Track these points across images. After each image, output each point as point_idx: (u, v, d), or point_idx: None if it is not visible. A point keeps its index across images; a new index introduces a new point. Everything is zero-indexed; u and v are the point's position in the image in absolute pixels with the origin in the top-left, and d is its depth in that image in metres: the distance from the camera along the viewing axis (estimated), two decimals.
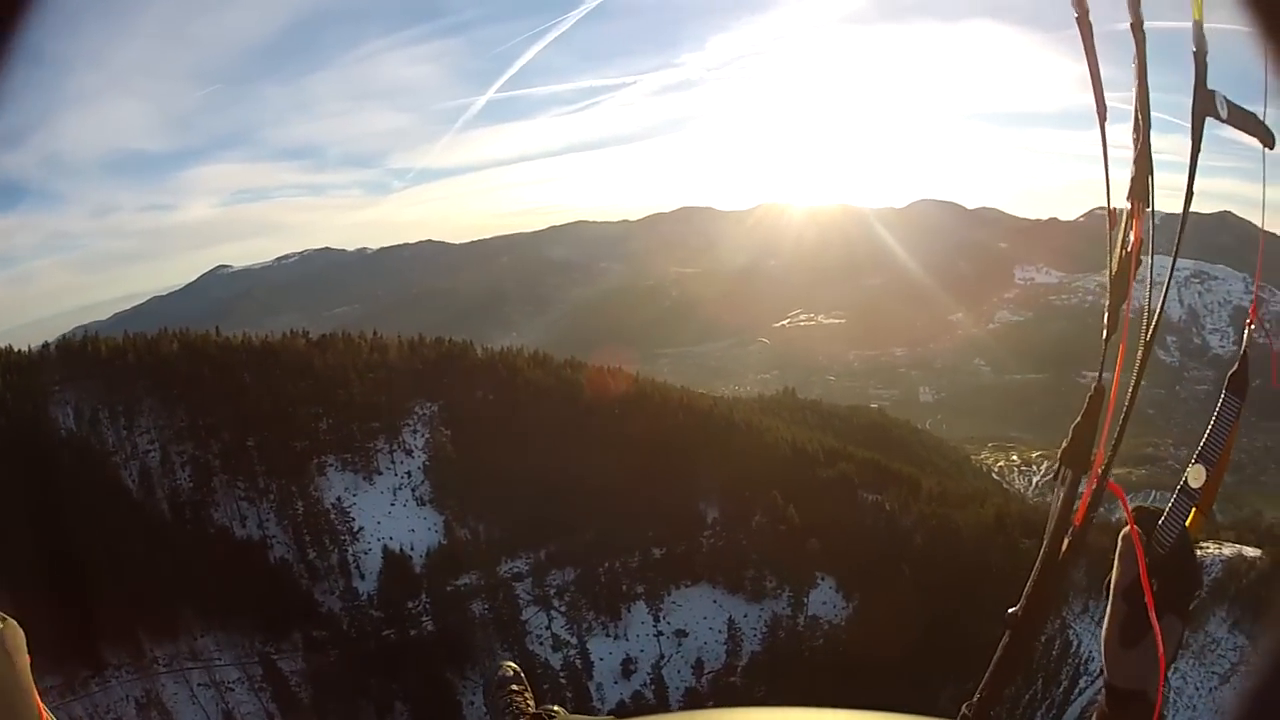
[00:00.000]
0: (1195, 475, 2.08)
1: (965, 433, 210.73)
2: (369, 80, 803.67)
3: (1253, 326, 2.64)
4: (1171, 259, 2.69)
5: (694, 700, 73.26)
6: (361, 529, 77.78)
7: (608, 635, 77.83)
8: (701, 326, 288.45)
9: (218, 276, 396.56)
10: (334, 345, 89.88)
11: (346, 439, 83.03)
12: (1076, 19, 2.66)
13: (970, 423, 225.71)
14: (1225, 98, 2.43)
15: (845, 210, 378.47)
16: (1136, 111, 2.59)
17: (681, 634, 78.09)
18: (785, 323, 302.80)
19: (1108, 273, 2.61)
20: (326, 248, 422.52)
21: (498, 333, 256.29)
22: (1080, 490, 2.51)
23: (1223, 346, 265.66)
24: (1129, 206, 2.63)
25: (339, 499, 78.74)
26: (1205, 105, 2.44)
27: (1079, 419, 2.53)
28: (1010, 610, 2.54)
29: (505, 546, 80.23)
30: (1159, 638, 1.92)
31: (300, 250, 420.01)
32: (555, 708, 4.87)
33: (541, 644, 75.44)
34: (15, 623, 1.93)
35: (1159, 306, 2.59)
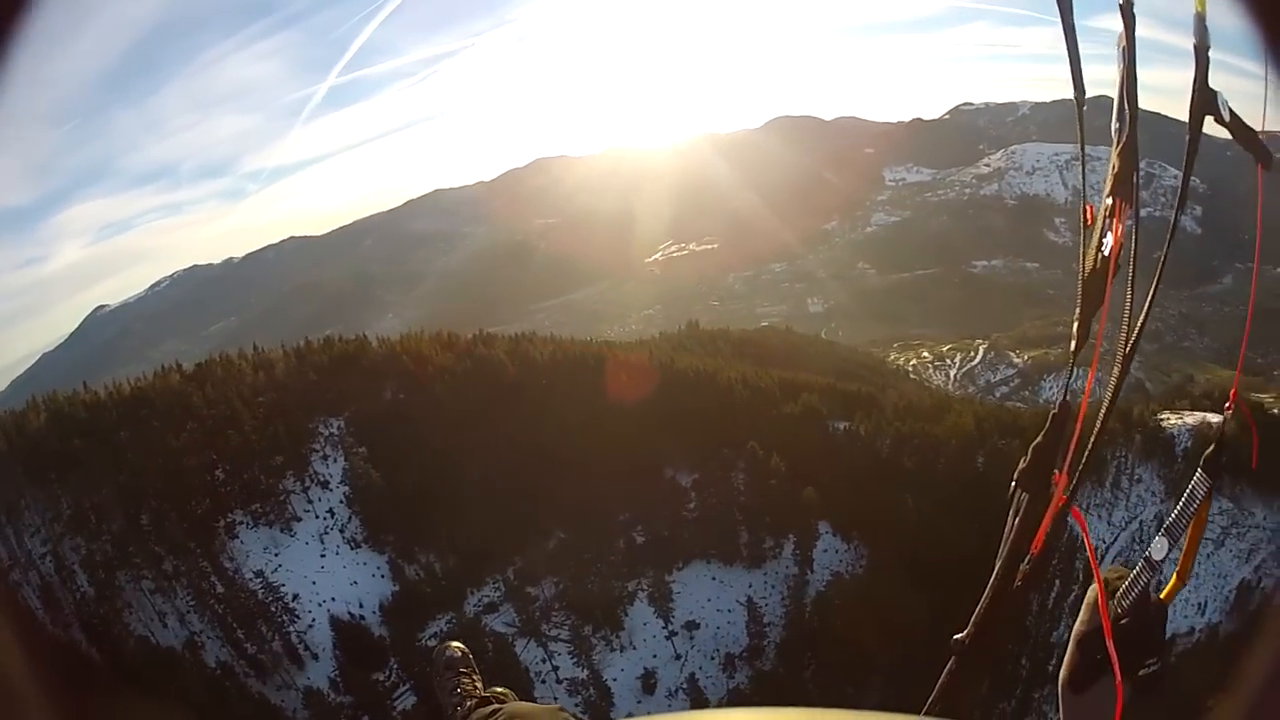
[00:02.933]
0: (1158, 547, 2.02)
1: (865, 337, 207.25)
2: (212, 86, 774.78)
3: (1230, 411, 2.34)
4: (1159, 267, 2.52)
5: (741, 703, 59.78)
6: (297, 597, 62.13)
7: (612, 649, 64.63)
8: (574, 274, 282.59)
9: (98, 318, 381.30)
10: (212, 374, 73.03)
11: (250, 486, 66.95)
12: None
13: (867, 327, 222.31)
14: (1227, 102, 2.22)
15: (700, 139, 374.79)
16: (1122, 99, 2.36)
17: (693, 626, 65.78)
18: (658, 256, 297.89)
19: (1079, 276, 2.39)
20: (194, 265, 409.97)
21: (373, 317, 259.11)
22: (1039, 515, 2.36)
23: None
24: (1109, 203, 2.40)
25: (261, 568, 62.71)
26: (1206, 104, 2.24)
27: (1039, 438, 2.36)
28: (956, 636, 2.43)
29: (467, 574, 65.88)
30: (1119, 690, 1.93)
31: (170, 273, 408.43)
32: (503, 689, 4.41)
33: (545, 684, 60.92)
34: None
35: (1141, 316, 2.37)
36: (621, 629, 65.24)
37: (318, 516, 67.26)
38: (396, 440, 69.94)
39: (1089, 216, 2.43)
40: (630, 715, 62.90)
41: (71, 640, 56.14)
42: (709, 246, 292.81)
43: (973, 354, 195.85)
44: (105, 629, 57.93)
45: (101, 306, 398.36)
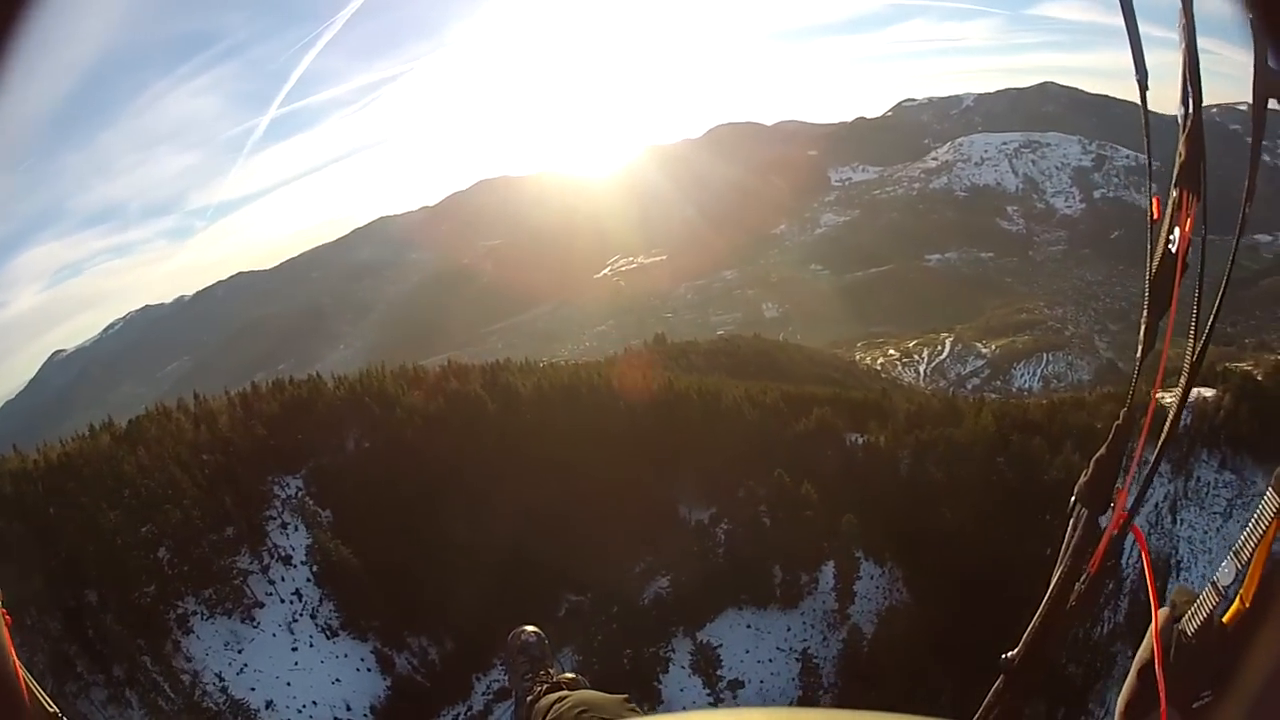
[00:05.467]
0: (1225, 572, 1.83)
1: (826, 338, 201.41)
2: (155, 124, 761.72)
3: None
4: (1228, 265, 2.21)
5: None
6: (271, 705, 49.33)
7: None
8: (523, 295, 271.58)
9: (55, 364, 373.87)
10: (145, 433, 58.95)
11: (200, 566, 53.61)
12: None
13: (826, 328, 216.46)
14: None
15: (643, 151, 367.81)
16: (1185, 82, 2.08)
17: (737, 685, 55.26)
18: (606, 271, 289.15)
19: (1146, 276, 2.21)
20: (146, 306, 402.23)
21: (326, 349, 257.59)
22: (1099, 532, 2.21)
23: (1069, 207, 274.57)
24: (1175, 195, 2.14)
25: (221, 671, 49.79)
26: (1269, 85, 1.91)
27: (1101, 450, 2.22)
28: (1006, 655, 2.33)
29: (469, 657, 54.15)
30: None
31: (123, 315, 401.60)
32: (574, 676, 4.59)
33: None
34: None
35: (1210, 318, 2.15)
36: (660, 701, 53.85)
37: (283, 600, 54.36)
38: (366, 500, 57.74)
39: (1155, 210, 2.17)
40: None
41: None
42: (658, 259, 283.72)
43: (939, 348, 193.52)
44: None
45: (59, 351, 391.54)
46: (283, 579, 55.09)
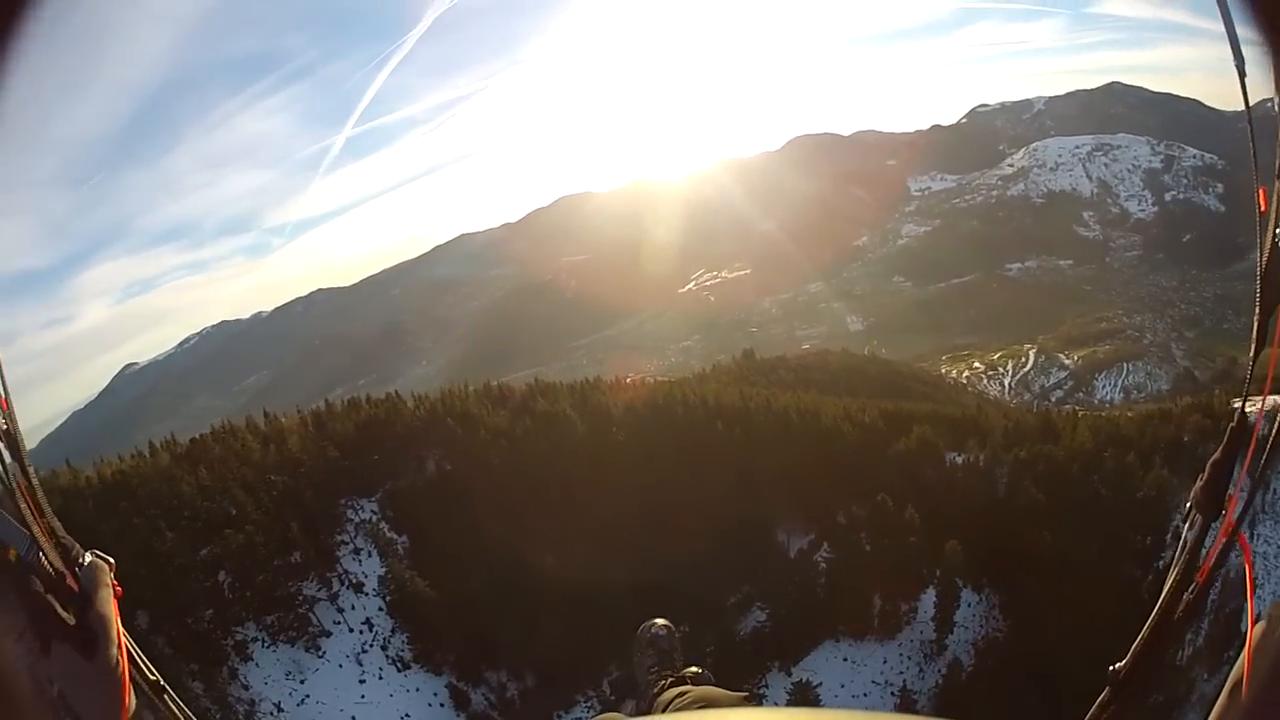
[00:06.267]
0: None
1: (911, 351, 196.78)
2: (225, 143, 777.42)
3: None
4: None
5: None
6: None
7: None
8: (607, 310, 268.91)
9: (127, 376, 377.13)
10: (207, 452, 55.68)
11: (264, 591, 50.26)
12: None
13: (910, 340, 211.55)
14: None
15: (721, 164, 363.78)
16: (1276, 69, 1.84)
17: None
18: (690, 286, 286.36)
19: (1257, 272, 2.00)
20: (223, 321, 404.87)
21: (408, 365, 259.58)
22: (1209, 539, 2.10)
23: (1142, 211, 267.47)
24: (1278, 186, 1.97)
25: (280, 701, 46.27)
26: None
27: (1217, 454, 2.09)
28: (1113, 666, 2.23)
29: (552, 694, 50.13)
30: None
31: (199, 330, 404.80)
32: (699, 669, 4.30)
33: None
34: (103, 558, 1.96)
35: None
36: None
37: (352, 629, 50.99)
38: (445, 526, 54.23)
39: (1262, 202, 1.98)
40: None
41: None
42: (742, 272, 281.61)
43: (1023, 360, 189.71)
44: None
45: (130, 364, 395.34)
46: (353, 607, 51.84)
